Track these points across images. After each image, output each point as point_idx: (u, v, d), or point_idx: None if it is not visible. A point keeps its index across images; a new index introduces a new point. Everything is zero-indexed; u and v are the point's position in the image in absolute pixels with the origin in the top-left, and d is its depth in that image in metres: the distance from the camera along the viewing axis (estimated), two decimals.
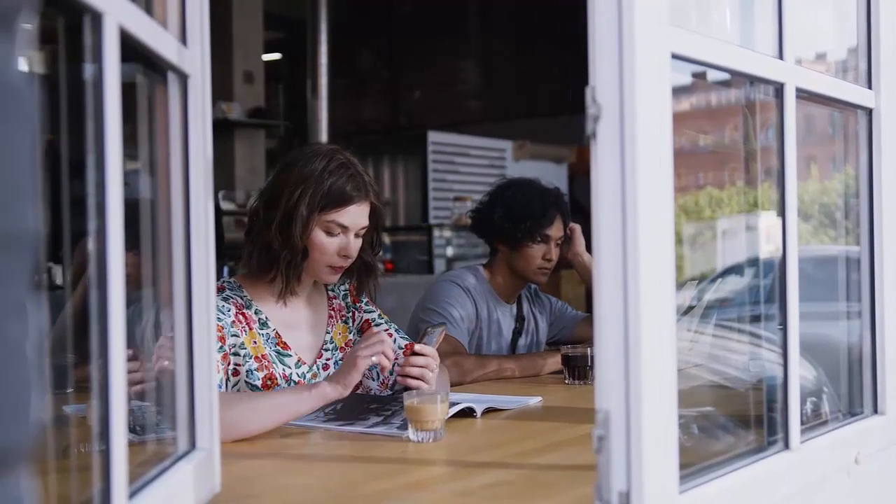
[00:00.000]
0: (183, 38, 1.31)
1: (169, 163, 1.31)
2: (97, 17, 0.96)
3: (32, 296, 0.52)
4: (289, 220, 2.07)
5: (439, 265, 7.03)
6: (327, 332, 2.26)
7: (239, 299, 2.13)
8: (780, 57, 1.46)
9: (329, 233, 2.11)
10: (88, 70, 0.98)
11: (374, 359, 1.92)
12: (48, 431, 1.05)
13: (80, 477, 1.16)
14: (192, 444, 1.34)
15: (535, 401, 2.28)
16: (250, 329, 2.11)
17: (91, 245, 0.98)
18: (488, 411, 2.10)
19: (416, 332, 2.85)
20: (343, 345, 2.28)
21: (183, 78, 1.31)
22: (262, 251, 2.12)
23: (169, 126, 1.31)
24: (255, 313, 2.14)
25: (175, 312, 1.33)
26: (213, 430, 1.36)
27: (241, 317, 2.10)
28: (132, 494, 1.05)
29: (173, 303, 1.33)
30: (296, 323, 2.21)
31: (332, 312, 2.29)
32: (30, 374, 0.51)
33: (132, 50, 1.08)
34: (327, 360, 2.24)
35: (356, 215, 2.12)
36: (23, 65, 0.53)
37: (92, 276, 0.98)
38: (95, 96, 0.98)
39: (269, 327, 2.14)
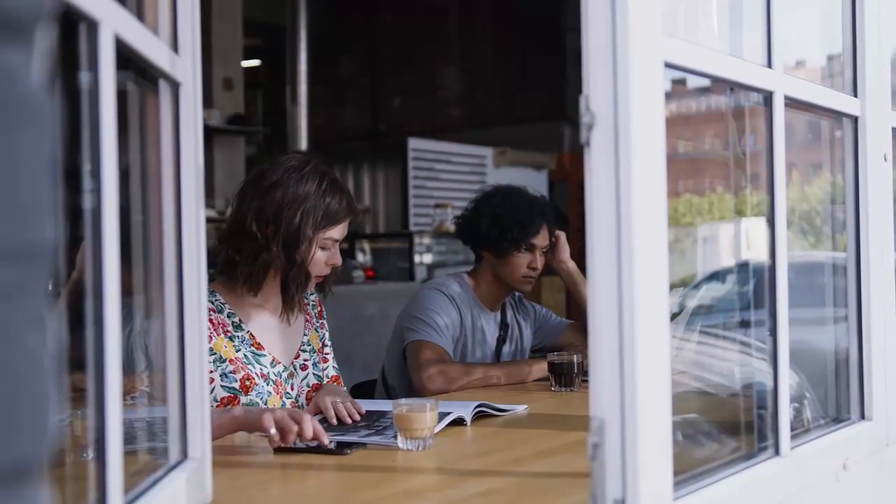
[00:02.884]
0: (174, 47, 1.31)
1: (160, 171, 1.30)
2: (93, 26, 0.96)
3: (49, 307, 0.52)
4: (295, 242, 2.14)
5: (420, 272, 7.02)
6: (304, 335, 2.33)
7: (210, 304, 2.15)
8: (769, 65, 1.47)
9: (324, 248, 2.20)
10: (83, 77, 0.98)
11: (272, 431, 1.73)
12: None
13: (71, 487, 1.15)
14: (184, 454, 1.33)
15: (521, 409, 2.28)
16: (223, 332, 2.15)
17: (84, 253, 0.97)
18: (479, 416, 2.10)
19: (400, 340, 2.85)
20: (317, 350, 2.36)
21: (175, 86, 1.30)
22: (256, 267, 2.15)
23: (160, 134, 1.30)
24: (228, 317, 2.19)
25: (166, 322, 1.32)
26: (205, 440, 1.36)
27: (208, 322, 2.11)
28: None
29: (164, 312, 1.32)
30: (272, 325, 2.26)
31: (308, 317, 2.36)
32: (48, 386, 0.51)
33: (124, 57, 1.07)
34: (305, 360, 2.30)
35: (345, 228, 2.24)
36: (40, 75, 0.52)
37: (87, 285, 0.97)
38: (91, 104, 0.97)
39: (243, 329, 2.19)
